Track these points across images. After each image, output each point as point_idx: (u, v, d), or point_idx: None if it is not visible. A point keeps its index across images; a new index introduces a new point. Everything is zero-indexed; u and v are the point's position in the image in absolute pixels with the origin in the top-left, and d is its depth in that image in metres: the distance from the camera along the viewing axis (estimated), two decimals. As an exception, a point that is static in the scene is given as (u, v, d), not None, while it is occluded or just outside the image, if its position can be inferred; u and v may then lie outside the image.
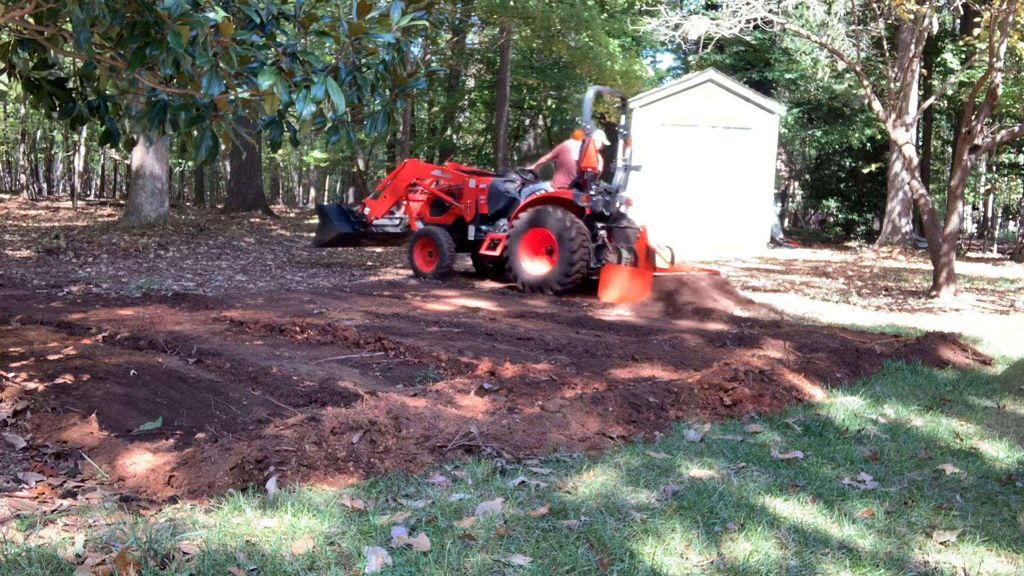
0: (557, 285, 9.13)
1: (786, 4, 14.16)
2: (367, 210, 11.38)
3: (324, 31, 3.14)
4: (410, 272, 11.70)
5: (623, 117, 10.53)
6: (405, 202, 11.38)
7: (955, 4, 11.48)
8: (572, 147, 9.92)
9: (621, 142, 9.87)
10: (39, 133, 29.24)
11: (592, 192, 9.44)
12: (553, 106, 25.69)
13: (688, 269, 9.25)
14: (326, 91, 3.04)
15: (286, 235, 16.75)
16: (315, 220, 23.09)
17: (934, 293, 10.41)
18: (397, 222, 11.63)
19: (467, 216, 10.56)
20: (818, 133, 24.46)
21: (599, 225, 9.61)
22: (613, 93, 11.66)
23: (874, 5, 12.13)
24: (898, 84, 12.66)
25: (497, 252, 9.91)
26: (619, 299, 8.65)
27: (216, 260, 12.14)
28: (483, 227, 10.41)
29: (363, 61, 3.35)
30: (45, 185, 32.28)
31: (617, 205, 9.78)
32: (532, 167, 10.80)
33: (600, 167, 9.88)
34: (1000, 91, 10.14)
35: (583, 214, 9.36)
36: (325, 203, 13.82)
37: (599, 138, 9.79)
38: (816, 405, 4.44)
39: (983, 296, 10.96)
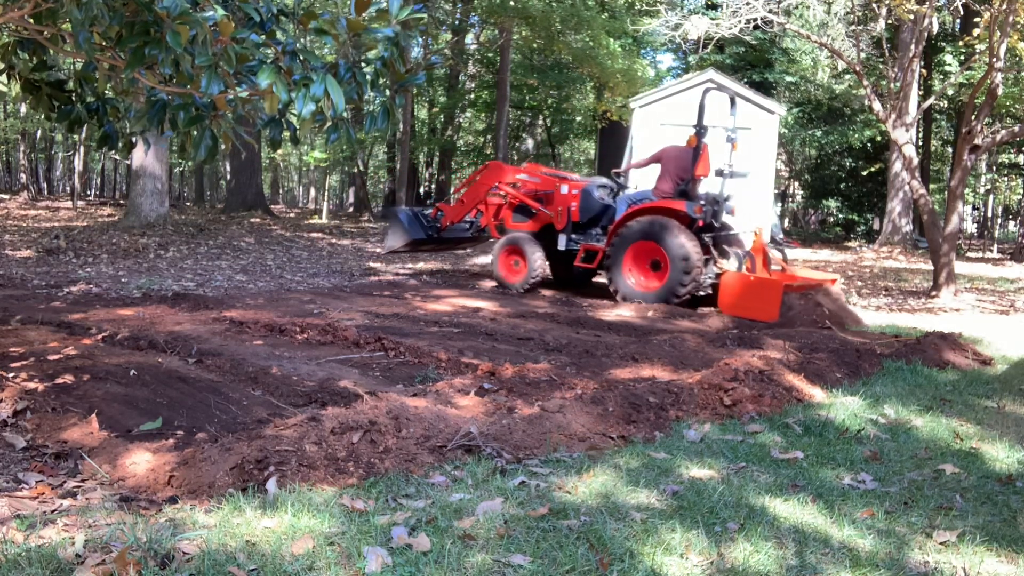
0: (666, 302, 8.38)
1: (786, 4, 14.16)
2: (440, 214, 10.71)
3: (323, 28, 3.13)
4: (411, 272, 11.69)
5: (733, 119, 9.44)
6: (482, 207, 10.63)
7: (955, 4, 11.48)
8: (676, 152, 9.13)
9: (729, 146, 9.00)
10: (39, 133, 29.24)
11: (702, 202, 8.71)
12: (553, 106, 25.68)
13: (806, 276, 8.61)
14: (325, 89, 3.04)
15: (286, 235, 16.75)
16: (315, 220, 23.11)
17: (934, 293, 10.41)
18: (467, 226, 10.96)
19: (557, 224, 9.64)
20: (818, 133, 24.45)
21: (705, 236, 8.81)
22: (724, 90, 10.45)
23: (874, 5, 12.13)
24: (898, 84, 12.66)
25: (594, 264, 9.19)
26: (745, 312, 7.81)
27: (216, 260, 12.14)
28: (574, 236, 9.59)
29: (362, 58, 3.35)
30: (45, 185, 32.28)
31: (724, 214, 9.01)
32: (622, 169, 10.08)
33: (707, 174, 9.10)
34: (1000, 91, 10.14)
35: (692, 225, 8.61)
36: (398, 207, 12.80)
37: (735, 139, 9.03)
38: (816, 405, 4.44)
39: (983, 296, 10.96)
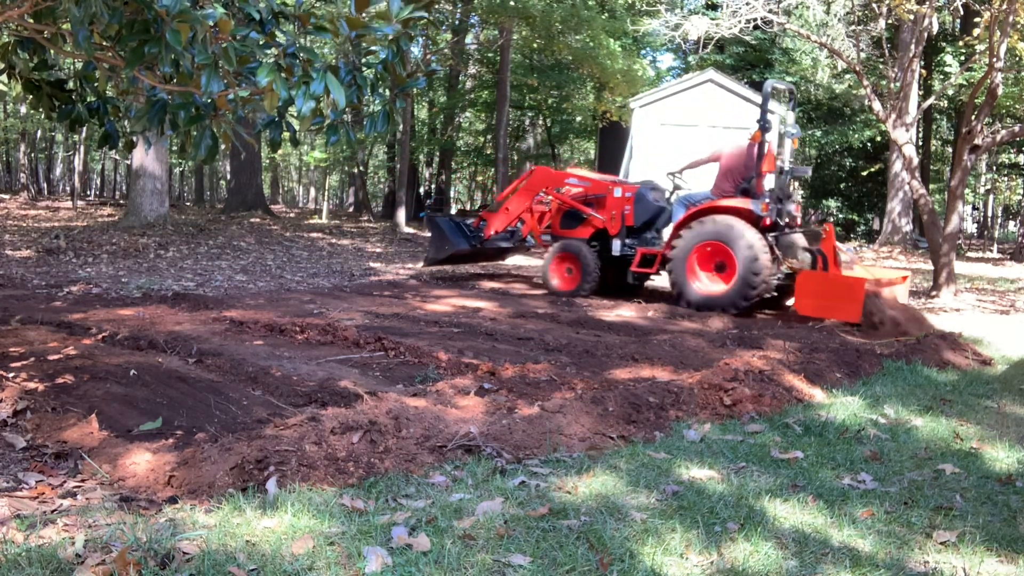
0: (734, 307, 8.08)
1: (786, 4, 14.16)
2: (484, 223, 10.34)
3: (323, 26, 3.13)
4: (411, 272, 11.69)
5: (791, 115, 9.13)
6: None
7: (955, 4, 11.48)
8: (733, 150, 8.78)
9: (788, 143, 8.77)
10: (39, 133, 29.25)
11: (767, 200, 8.31)
12: (553, 106, 25.67)
13: (879, 275, 8.27)
14: (325, 87, 3.04)
15: (286, 235, 16.75)
16: (315, 220, 23.10)
17: (934, 293, 10.41)
18: (509, 235, 10.56)
19: (611, 228, 9.29)
20: (818, 133, 24.46)
21: (770, 236, 8.42)
22: (783, 86, 10.01)
23: (874, 5, 12.13)
24: (898, 84, 12.66)
25: (653, 269, 8.89)
26: (827, 312, 7.50)
27: (216, 260, 12.14)
28: (628, 240, 9.26)
29: (363, 60, 3.35)
30: (45, 185, 32.27)
31: (788, 212, 8.64)
32: (677, 170, 9.46)
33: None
34: (1000, 91, 10.14)
35: (759, 224, 8.26)
36: (440, 216, 11.93)
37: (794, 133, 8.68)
38: (816, 405, 4.44)
39: (983, 296, 10.96)
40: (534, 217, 10.08)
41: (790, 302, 8.68)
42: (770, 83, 8.87)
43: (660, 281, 9.75)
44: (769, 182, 8.73)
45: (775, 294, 8.47)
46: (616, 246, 9.29)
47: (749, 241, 8.01)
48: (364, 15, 3.08)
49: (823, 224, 8.26)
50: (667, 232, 9.16)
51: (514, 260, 13.64)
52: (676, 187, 9.39)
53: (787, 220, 8.61)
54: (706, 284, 8.41)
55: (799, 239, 8.54)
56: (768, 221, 8.28)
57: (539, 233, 10.09)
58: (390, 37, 3.15)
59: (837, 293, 7.51)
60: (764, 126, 8.39)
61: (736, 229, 8.13)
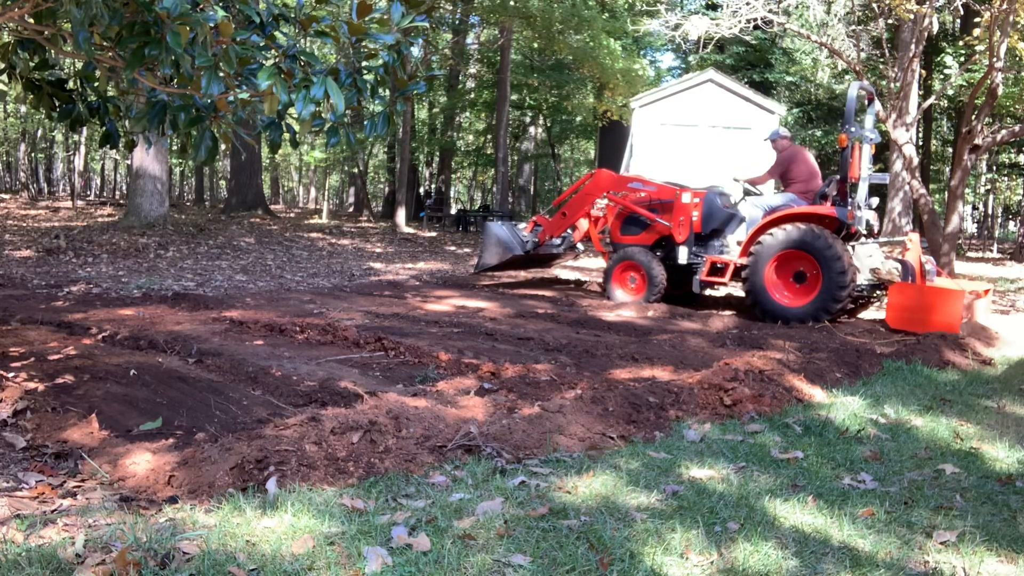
0: (817, 318, 7.66)
1: (786, 4, 14.16)
2: (538, 228, 9.99)
3: (324, 31, 3.14)
4: (412, 272, 11.68)
5: (870, 119, 8.53)
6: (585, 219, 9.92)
7: (955, 4, 11.48)
8: (800, 154, 8.48)
9: (867, 148, 8.09)
10: (39, 133, 29.26)
11: (852, 208, 7.87)
12: (553, 106, 25.69)
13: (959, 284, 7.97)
14: (325, 91, 3.04)
15: (286, 235, 16.75)
16: (315, 220, 23.10)
17: (934, 293, 10.41)
18: (559, 240, 10.22)
19: (678, 236, 8.82)
20: (818, 133, 24.47)
21: (850, 245, 8.05)
22: (867, 89, 9.34)
23: (874, 5, 12.13)
24: (898, 84, 12.66)
25: (724, 278, 8.49)
26: (923, 326, 7.11)
27: (216, 260, 12.14)
28: (696, 248, 8.84)
29: (363, 64, 3.35)
30: (45, 185, 32.29)
31: (867, 221, 8.22)
32: (752, 180, 8.99)
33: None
34: (1000, 91, 10.14)
35: (843, 232, 7.94)
36: (493, 222, 10.99)
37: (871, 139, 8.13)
38: (816, 405, 4.44)
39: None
40: (593, 223, 9.75)
41: (863, 313, 8.41)
42: (856, 85, 8.38)
43: (723, 290, 9.30)
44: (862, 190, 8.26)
45: (852, 305, 8.14)
46: (683, 254, 8.85)
47: (837, 251, 7.61)
48: (365, 20, 3.08)
49: (909, 234, 7.97)
50: (732, 239, 8.86)
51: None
52: (746, 192, 8.98)
53: (867, 229, 8.25)
54: (785, 294, 8.01)
55: (877, 249, 8.14)
56: (854, 229, 7.95)
57: (597, 240, 9.79)
58: (391, 44, 3.16)
59: (934, 305, 7.19)
60: (850, 131, 7.93)
61: (822, 238, 7.70)
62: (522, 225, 10.37)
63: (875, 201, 8.27)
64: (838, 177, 8.11)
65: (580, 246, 10.28)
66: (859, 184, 8.00)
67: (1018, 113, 19.87)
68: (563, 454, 3.38)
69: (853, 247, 8.00)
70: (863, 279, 7.91)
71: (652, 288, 8.89)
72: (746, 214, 8.77)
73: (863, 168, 8.01)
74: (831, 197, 8.11)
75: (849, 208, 7.85)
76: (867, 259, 7.95)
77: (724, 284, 8.72)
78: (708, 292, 9.52)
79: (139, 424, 3.76)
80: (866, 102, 8.70)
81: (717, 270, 8.59)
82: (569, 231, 10.11)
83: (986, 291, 8.16)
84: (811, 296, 7.78)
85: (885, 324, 7.59)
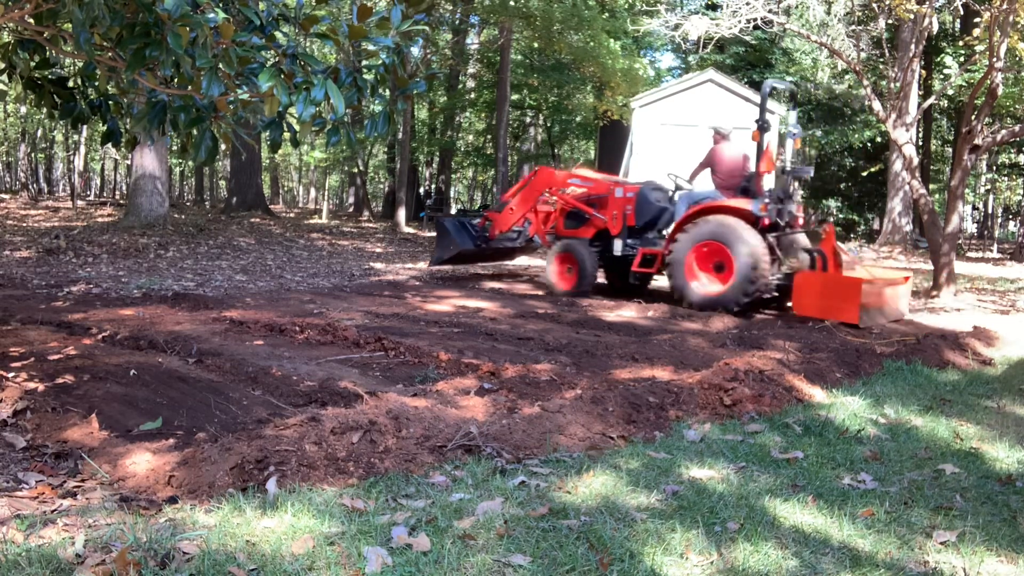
0: (734, 305, 8.05)
1: (786, 4, 14.16)
2: (488, 223, 10.47)
3: (324, 33, 3.14)
4: (412, 272, 11.69)
5: (793, 115, 9.07)
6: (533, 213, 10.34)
7: (955, 4, 11.48)
8: (726, 150, 8.83)
9: (790, 143, 8.68)
10: (39, 133, 29.26)
11: (767, 200, 8.27)
12: (553, 105, 25.68)
13: (879, 273, 8.40)
14: (326, 93, 3.04)
15: (286, 235, 16.75)
16: (315, 220, 23.10)
17: (934, 293, 10.41)
18: (515, 235, 10.73)
19: (612, 228, 9.35)
20: (818, 133, 24.46)
21: (770, 236, 8.38)
22: (783, 86, 9.97)
23: (874, 5, 12.13)
24: (898, 84, 12.66)
25: (653, 269, 8.94)
26: (824, 313, 7.53)
27: (216, 260, 12.14)
28: (630, 240, 9.30)
29: (363, 64, 3.36)
30: (45, 185, 32.29)
31: (789, 212, 8.57)
32: (688, 178, 9.45)
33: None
34: (1000, 91, 10.14)
35: (757, 224, 8.25)
36: (444, 217, 12.28)
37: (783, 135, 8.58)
38: (816, 405, 4.44)
39: (983, 296, 10.97)
40: (539, 217, 10.12)
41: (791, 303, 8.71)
42: (769, 83, 8.85)
43: (663, 281, 9.74)
44: (770, 182, 8.69)
45: (776, 294, 8.46)
46: (618, 246, 9.35)
47: (747, 241, 8.00)
48: (365, 23, 3.09)
49: (823, 224, 8.24)
50: (666, 232, 9.15)
51: (519, 260, 13.63)
52: (677, 187, 9.39)
53: (788, 220, 8.56)
54: (705, 284, 8.39)
55: (800, 240, 8.51)
56: (767, 221, 8.25)
57: (544, 233, 10.17)
58: (390, 47, 3.16)
59: (835, 293, 7.55)
60: (762, 126, 8.39)
61: (734, 229, 8.12)
62: (476, 220, 10.78)
63: (798, 194, 8.53)
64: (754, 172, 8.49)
65: (537, 239, 10.61)
66: (782, 177, 8.48)
67: (1018, 113, 19.88)
68: (563, 454, 3.38)
69: (778, 238, 8.35)
70: (786, 269, 8.27)
71: (583, 278, 9.35)
72: (676, 208, 9.11)
73: (786, 162, 8.56)
74: (752, 190, 8.47)
75: (763, 201, 8.21)
76: (788, 250, 8.34)
77: (653, 274, 9.16)
78: (652, 283, 9.90)
79: (139, 424, 3.76)
80: (789, 99, 9.10)
81: (648, 261, 9.00)
82: (526, 225, 10.53)
83: (905, 279, 8.49)
84: (726, 285, 8.18)
85: (793, 311, 7.98)
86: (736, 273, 8.04)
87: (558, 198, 9.85)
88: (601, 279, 9.99)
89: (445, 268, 11.75)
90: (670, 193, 9.50)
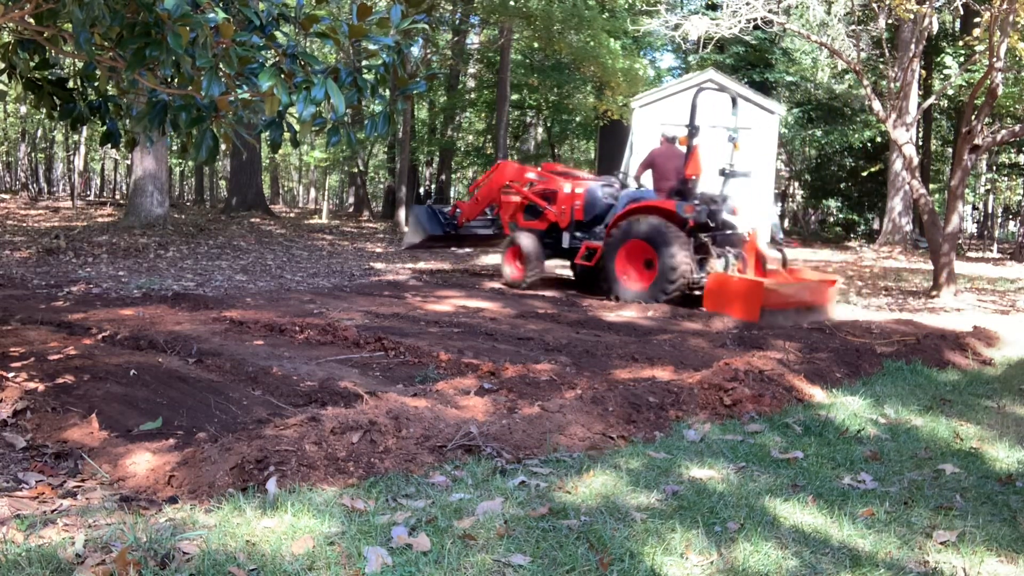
0: (654, 300, 8.52)
1: (786, 4, 14.16)
2: (458, 212, 11.06)
3: (324, 33, 3.14)
4: (412, 272, 11.69)
5: (734, 118, 9.47)
6: (497, 205, 10.93)
7: (955, 4, 11.48)
8: (666, 153, 9.30)
9: (730, 146, 9.03)
10: (39, 133, 29.26)
11: (695, 202, 8.63)
12: (553, 105, 25.67)
13: (806, 275, 8.75)
14: (326, 92, 3.04)
15: (286, 235, 16.75)
16: (315, 220, 23.11)
17: (934, 293, 10.41)
18: (488, 224, 11.34)
19: (561, 222, 9.86)
20: (818, 133, 24.46)
21: (702, 235, 8.73)
22: (720, 91, 10.48)
23: (874, 5, 12.13)
24: (898, 84, 12.66)
25: (593, 262, 9.35)
26: (727, 310, 7.98)
27: (216, 260, 12.14)
28: (578, 234, 9.76)
29: (363, 63, 3.36)
30: (45, 185, 32.28)
31: (723, 215, 8.98)
32: (633, 175, 10.08)
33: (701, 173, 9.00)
34: (1000, 91, 10.14)
35: (685, 224, 8.61)
36: (417, 205, 13.22)
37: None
38: (816, 405, 4.44)
39: (983, 296, 10.96)
40: (504, 208, 10.64)
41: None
42: (700, 89, 9.33)
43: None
44: (718, 184, 9.11)
45: (699, 292, 8.71)
46: (566, 239, 9.85)
47: (669, 241, 8.45)
48: (365, 23, 3.09)
49: (749, 231, 9.02)
50: None
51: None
52: (623, 185, 9.95)
53: (720, 222, 8.92)
54: (633, 279, 8.87)
55: (738, 240, 8.94)
56: (693, 222, 8.58)
57: (506, 223, 10.66)
58: (390, 46, 3.16)
59: (739, 294, 7.98)
60: (691, 131, 8.81)
61: (659, 229, 8.57)
62: (448, 209, 11.35)
63: (734, 197, 9.13)
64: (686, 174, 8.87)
65: (513, 228, 10.98)
66: (723, 180, 8.98)
67: (1018, 113, 19.88)
68: (563, 454, 3.38)
69: (712, 238, 8.74)
70: (708, 268, 8.65)
71: (530, 268, 9.84)
72: (616, 205, 9.52)
73: (728, 165, 8.99)
74: (685, 192, 8.85)
75: (689, 203, 8.58)
76: (717, 248, 8.76)
77: (591, 265, 9.45)
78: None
79: (139, 424, 3.76)
80: (732, 104, 9.57)
81: (590, 255, 9.42)
82: (497, 215, 10.99)
83: (832, 282, 8.83)
84: (651, 281, 8.69)
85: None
86: (659, 270, 8.54)
87: (515, 191, 10.40)
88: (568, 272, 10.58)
89: (444, 267, 11.83)
90: (618, 191, 9.97)
